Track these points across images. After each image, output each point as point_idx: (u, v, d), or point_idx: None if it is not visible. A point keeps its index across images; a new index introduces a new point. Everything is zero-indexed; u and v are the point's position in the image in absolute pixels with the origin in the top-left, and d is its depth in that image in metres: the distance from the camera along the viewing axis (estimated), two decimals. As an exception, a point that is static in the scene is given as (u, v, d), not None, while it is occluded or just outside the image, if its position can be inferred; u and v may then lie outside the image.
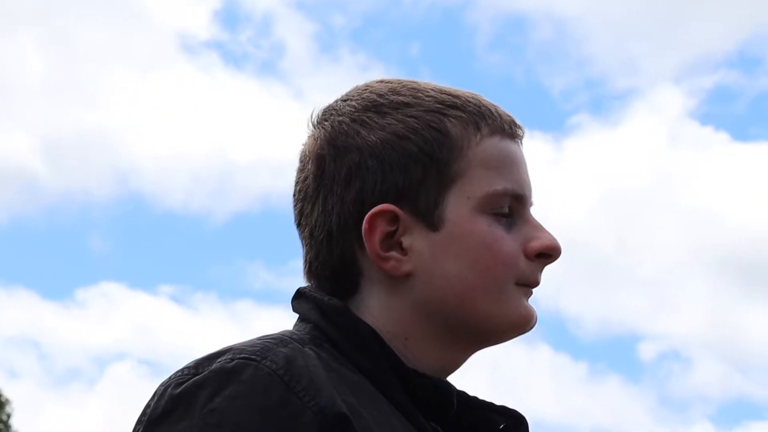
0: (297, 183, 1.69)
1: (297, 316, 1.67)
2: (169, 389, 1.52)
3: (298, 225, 1.68)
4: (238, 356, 1.51)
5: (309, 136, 1.69)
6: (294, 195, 1.69)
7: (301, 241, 1.69)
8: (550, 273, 1.69)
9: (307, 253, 1.67)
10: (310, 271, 1.67)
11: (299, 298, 1.66)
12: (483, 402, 1.66)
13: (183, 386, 1.51)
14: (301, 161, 1.69)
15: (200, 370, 1.52)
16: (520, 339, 1.68)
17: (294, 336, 1.58)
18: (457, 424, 1.64)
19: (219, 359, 1.52)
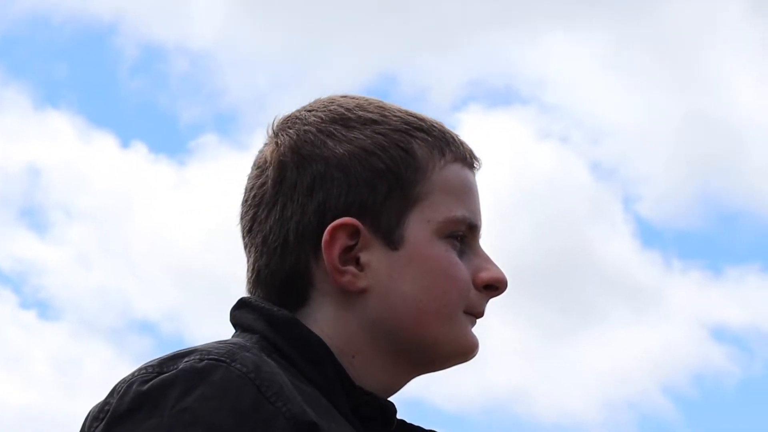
0: (251, 189, 1.64)
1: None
2: (135, 386, 1.44)
3: (249, 231, 1.63)
4: (207, 357, 1.46)
5: (269, 143, 1.65)
6: (246, 201, 1.64)
7: (249, 248, 1.64)
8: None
9: (255, 261, 1.62)
10: (258, 279, 1.62)
11: (242, 308, 1.61)
12: (413, 426, 1.66)
13: (150, 383, 1.44)
14: (258, 167, 1.64)
15: (165, 369, 1.45)
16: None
17: (248, 344, 1.54)
18: None
19: (185, 359, 1.46)
